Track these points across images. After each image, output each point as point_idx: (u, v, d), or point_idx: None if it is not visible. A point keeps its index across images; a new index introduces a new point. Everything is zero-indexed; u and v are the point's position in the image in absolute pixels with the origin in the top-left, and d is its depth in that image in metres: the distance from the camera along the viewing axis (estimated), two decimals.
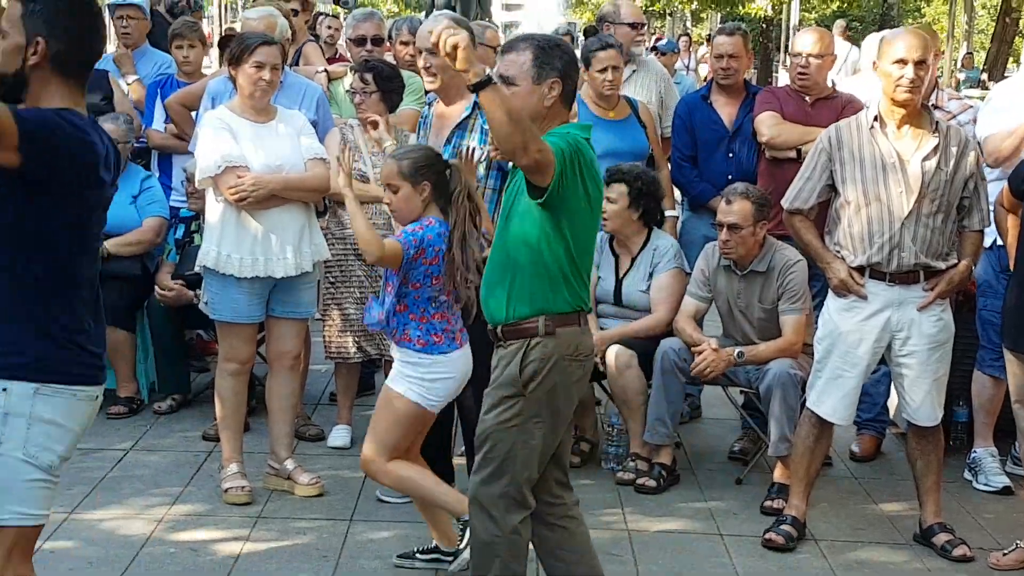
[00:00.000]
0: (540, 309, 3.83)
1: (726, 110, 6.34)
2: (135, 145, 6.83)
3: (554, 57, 3.83)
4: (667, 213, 6.26)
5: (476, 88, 3.52)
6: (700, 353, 5.54)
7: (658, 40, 17.70)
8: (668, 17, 42.51)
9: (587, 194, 3.80)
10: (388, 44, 7.20)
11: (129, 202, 6.60)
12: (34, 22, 3.05)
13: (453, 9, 14.54)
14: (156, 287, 6.43)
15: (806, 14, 32.50)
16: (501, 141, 3.59)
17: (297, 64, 6.89)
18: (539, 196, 3.69)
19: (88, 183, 3.10)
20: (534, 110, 3.77)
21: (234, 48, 5.26)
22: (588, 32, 10.65)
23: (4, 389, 3.08)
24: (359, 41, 6.77)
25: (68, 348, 3.15)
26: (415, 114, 5.69)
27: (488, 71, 3.55)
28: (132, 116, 6.88)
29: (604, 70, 6.10)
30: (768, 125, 6.01)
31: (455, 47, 3.47)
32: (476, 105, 4.05)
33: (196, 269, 5.49)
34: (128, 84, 7.33)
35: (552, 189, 3.66)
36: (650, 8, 33.76)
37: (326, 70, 6.78)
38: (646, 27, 8.52)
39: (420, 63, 5.14)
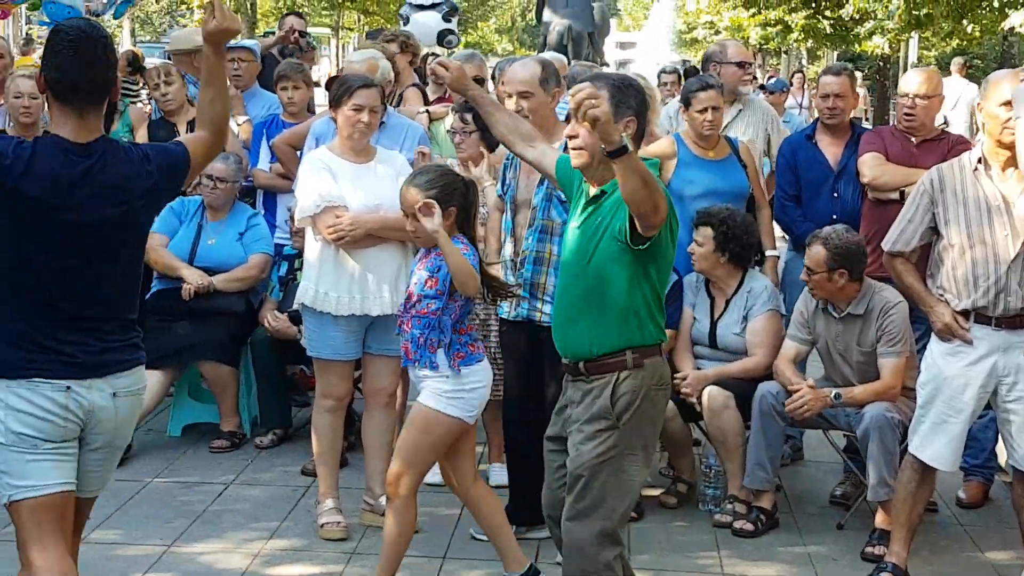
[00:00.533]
0: (627, 343, 3.90)
1: (831, 150, 6.27)
2: (243, 184, 7.00)
3: (629, 96, 3.91)
4: (768, 253, 6.21)
5: (613, 155, 3.51)
6: (797, 392, 5.47)
7: (770, 78, 17.58)
8: (784, 55, 42.16)
9: (672, 233, 3.88)
10: (492, 84, 7.28)
11: (236, 239, 6.78)
12: (42, 57, 3.54)
13: (565, 49, 14.59)
14: (261, 321, 6.53)
15: (925, 52, 31.97)
16: (633, 204, 3.62)
17: (398, 106, 6.97)
18: (642, 244, 3.76)
19: None
20: None
21: (335, 90, 5.35)
22: (689, 72, 10.62)
23: None
24: None
25: (28, 347, 3.42)
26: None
27: (624, 138, 3.52)
28: (241, 156, 7.04)
29: (704, 110, 6.06)
30: (870, 166, 5.92)
31: (594, 120, 3.43)
32: (565, 146, 4.06)
33: (295, 306, 5.57)
34: (239, 124, 7.51)
35: (654, 237, 3.74)
36: (765, 47, 33.44)
37: (427, 110, 6.86)
38: (753, 66, 8.46)
39: (510, 105, 5.09)
